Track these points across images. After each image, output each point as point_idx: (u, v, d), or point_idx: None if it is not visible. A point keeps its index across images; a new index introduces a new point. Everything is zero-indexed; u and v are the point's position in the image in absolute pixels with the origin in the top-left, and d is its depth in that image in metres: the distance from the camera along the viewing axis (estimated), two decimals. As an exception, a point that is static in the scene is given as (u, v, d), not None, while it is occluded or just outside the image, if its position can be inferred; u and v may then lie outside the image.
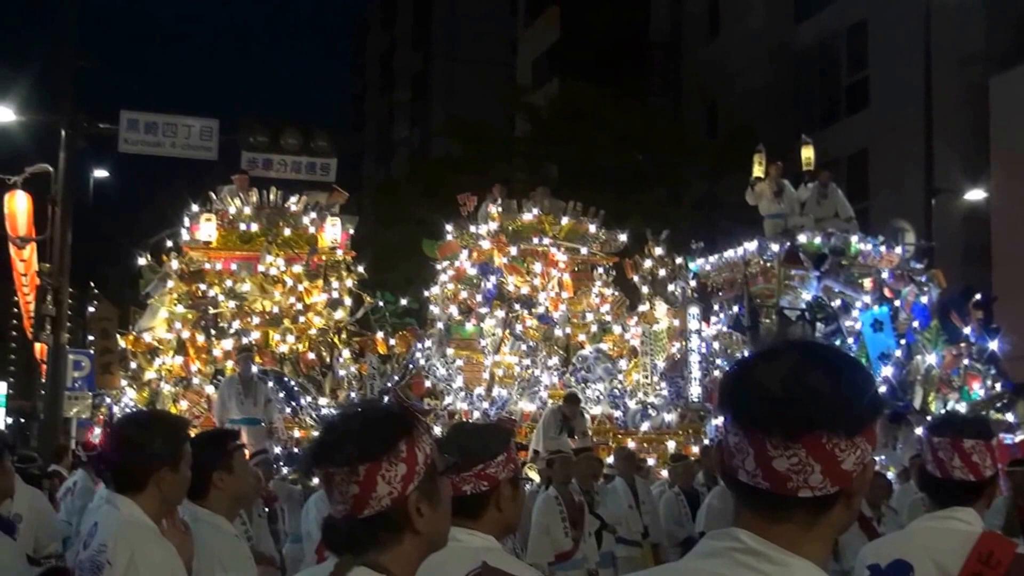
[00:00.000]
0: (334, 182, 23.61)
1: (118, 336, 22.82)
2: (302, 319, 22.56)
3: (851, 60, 39.63)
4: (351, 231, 24.00)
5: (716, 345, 22.47)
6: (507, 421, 19.38)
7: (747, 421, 2.21)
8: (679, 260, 24.12)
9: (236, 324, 22.35)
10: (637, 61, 48.26)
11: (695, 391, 21.71)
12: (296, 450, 18.73)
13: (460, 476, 3.69)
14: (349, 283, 23.27)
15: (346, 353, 21.85)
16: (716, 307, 23.93)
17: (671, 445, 20.99)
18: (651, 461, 19.92)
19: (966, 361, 20.97)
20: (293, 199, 23.58)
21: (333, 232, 23.32)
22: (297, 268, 22.84)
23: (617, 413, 22.05)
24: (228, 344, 21.86)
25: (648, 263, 24.17)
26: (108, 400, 23.20)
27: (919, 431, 16.77)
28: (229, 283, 22.73)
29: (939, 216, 29.67)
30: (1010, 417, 21.04)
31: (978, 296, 22.34)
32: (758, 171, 24.32)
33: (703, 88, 45.49)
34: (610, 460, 17.27)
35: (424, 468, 2.77)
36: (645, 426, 21.82)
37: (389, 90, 79.61)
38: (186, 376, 21.84)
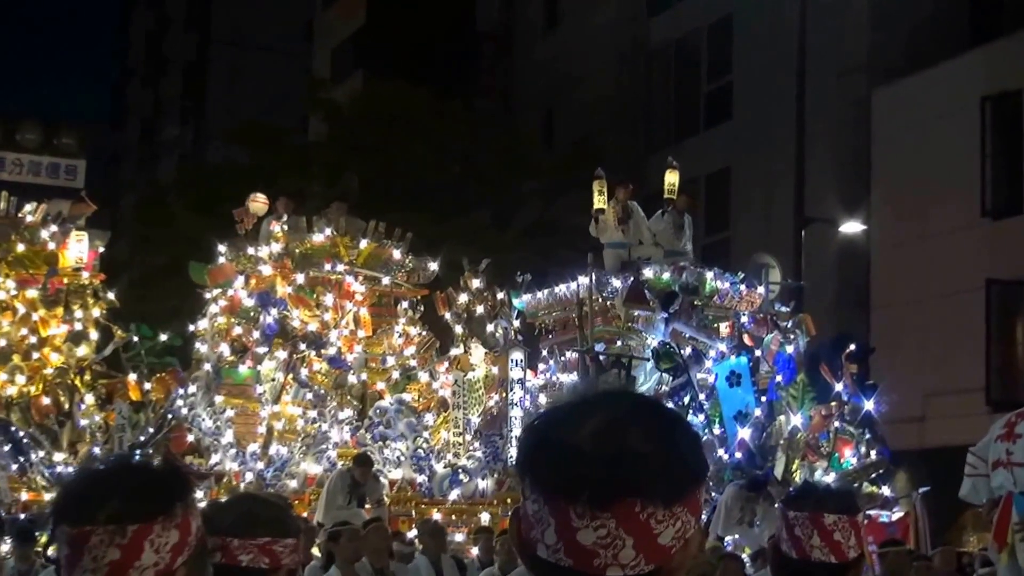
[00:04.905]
0: (82, 188, 23.31)
1: None
2: (36, 355, 22.25)
3: (712, 63, 39.98)
4: (101, 249, 23.77)
5: (543, 398, 22.51)
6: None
7: (548, 485, 2.15)
8: (501, 295, 24.15)
9: (-47, 360, 21.94)
10: (461, 56, 48.41)
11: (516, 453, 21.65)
12: (24, 516, 18.33)
13: (242, 542, 3.68)
14: (96, 313, 23.01)
15: (90, 398, 21.61)
16: (545, 352, 24.00)
17: (485, 517, 20.97)
18: (460, 537, 19.89)
19: (837, 423, 21.29)
20: (29, 208, 23.23)
21: (78, 249, 23.07)
22: (32, 293, 22.56)
23: (421, 478, 22.01)
24: (-59, 385, 21.43)
25: (464, 298, 24.14)
26: None
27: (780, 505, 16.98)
28: (-55, 309, 22.31)
29: (810, 250, 30.08)
30: (886, 491, 21.43)
31: (853, 347, 22.72)
32: (599, 202, 24.29)
33: (539, 91, 45.83)
34: (412, 534, 17.21)
35: (196, 540, 2.72)
36: (455, 494, 21.79)
37: (156, 80, 78.89)
38: None
